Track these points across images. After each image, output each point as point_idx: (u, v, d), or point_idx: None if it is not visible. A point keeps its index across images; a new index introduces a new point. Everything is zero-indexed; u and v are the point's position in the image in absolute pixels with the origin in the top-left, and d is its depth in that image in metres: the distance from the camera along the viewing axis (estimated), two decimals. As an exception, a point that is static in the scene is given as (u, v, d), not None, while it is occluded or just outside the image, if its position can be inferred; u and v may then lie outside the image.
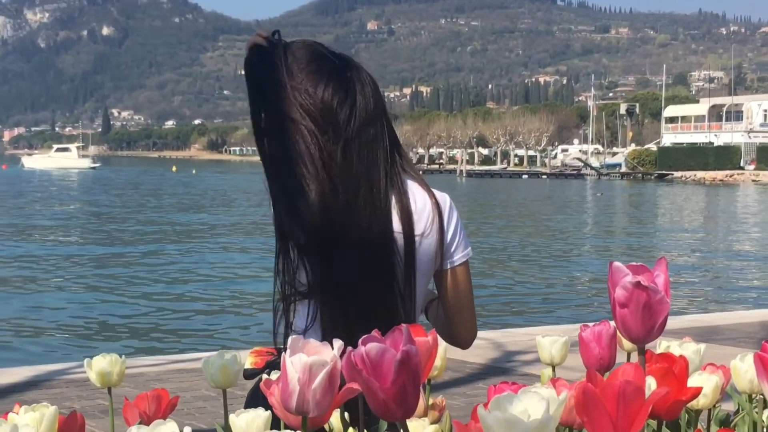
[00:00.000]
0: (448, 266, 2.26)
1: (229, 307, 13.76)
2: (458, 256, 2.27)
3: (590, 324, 1.78)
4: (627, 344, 2.10)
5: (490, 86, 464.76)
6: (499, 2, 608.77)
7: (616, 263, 1.28)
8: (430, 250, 2.23)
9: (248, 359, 2.26)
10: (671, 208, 45.89)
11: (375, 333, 1.28)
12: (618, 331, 1.34)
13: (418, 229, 2.21)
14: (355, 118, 2.16)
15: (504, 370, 6.04)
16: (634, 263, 1.26)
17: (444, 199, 2.28)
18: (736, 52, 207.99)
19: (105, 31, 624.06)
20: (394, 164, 2.23)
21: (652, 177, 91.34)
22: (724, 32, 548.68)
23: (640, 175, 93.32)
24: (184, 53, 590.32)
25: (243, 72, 2.23)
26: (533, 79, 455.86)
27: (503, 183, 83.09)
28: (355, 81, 2.22)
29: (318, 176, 2.11)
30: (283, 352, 1.26)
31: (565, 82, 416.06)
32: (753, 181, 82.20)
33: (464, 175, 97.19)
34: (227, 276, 17.81)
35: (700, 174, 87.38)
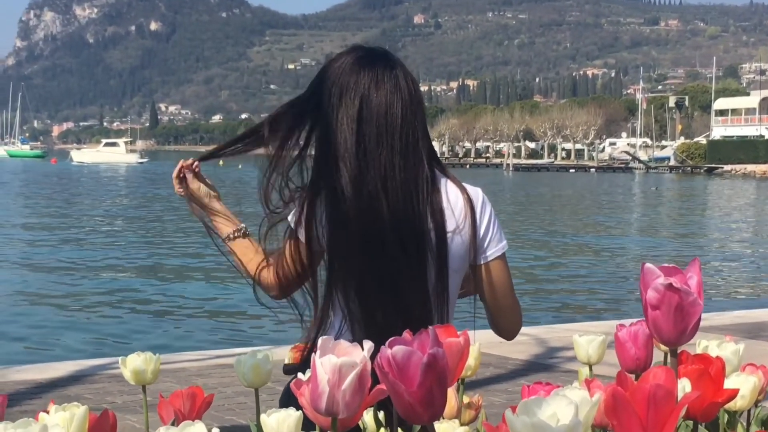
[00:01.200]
0: (482, 261, 2.25)
1: (275, 305, 13.76)
2: (492, 251, 2.25)
3: (626, 323, 1.74)
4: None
5: (537, 79, 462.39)
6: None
7: (648, 265, 1.26)
8: (464, 247, 2.22)
9: (288, 354, 2.31)
10: (722, 203, 45.36)
11: (406, 334, 1.28)
12: (652, 333, 1.34)
13: (450, 225, 2.19)
14: (396, 117, 2.21)
15: (546, 366, 5.98)
16: (666, 264, 1.23)
17: (476, 193, 2.26)
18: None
19: (153, 26, 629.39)
20: (430, 162, 2.23)
21: (702, 171, 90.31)
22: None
23: (689, 168, 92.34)
24: (231, 48, 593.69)
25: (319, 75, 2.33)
26: (581, 72, 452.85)
27: (550, 177, 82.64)
28: (398, 80, 2.30)
29: (363, 177, 2.15)
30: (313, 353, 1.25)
31: (613, 75, 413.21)
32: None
33: (511, 168, 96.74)
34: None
35: (750, 167, 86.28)
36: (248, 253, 2.41)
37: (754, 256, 22.04)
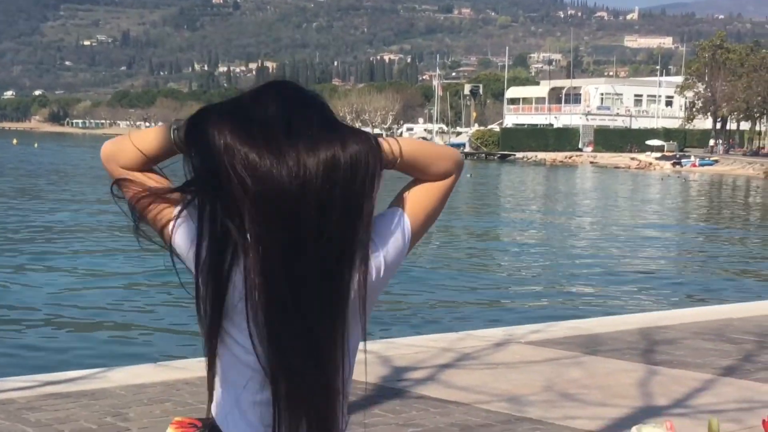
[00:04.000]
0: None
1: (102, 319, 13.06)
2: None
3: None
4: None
5: (335, 63, 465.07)
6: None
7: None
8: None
9: (168, 431, 1.97)
10: (522, 188, 46.79)
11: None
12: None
13: None
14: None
15: (397, 392, 5.88)
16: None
17: None
18: (573, 36, 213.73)
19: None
20: None
21: (495, 157, 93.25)
22: (562, 15, 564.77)
23: (483, 155, 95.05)
24: (23, 22, 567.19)
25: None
26: (378, 57, 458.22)
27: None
28: None
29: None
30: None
31: (409, 60, 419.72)
32: (591, 162, 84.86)
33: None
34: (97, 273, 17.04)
35: (541, 155, 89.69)
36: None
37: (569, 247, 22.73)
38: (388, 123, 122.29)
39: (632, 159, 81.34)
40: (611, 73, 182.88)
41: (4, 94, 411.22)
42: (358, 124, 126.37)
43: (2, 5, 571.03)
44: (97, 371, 6.45)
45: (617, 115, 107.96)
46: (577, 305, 14.09)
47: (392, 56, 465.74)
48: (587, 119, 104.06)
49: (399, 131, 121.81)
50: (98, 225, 24.54)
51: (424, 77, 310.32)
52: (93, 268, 17.26)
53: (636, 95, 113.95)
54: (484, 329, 8.66)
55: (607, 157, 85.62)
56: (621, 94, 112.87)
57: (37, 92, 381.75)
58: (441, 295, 14.65)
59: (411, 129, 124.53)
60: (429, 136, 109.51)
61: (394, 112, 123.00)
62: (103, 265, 17.64)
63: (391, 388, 5.92)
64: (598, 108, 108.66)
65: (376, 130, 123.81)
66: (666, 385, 6.19)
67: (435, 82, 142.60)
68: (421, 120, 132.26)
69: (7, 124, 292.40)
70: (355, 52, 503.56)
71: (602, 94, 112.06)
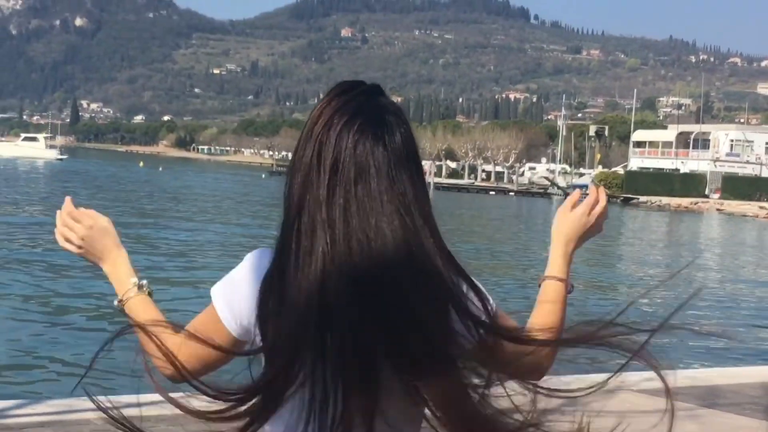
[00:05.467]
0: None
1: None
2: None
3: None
4: None
5: (460, 100, 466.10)
6: (473, 17, 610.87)
7: None
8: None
9: None
10: (641, 236, 45.71)
11: None
12: None
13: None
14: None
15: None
16: None
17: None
18: (704, 81, 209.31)
19: (78, 21, 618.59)
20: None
21: (618, 200, 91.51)
22: (693, 60, 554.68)
23: (606, 198, 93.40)
24: (156, 49, 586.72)
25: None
26: (504, 96, 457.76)
27: (470, 198, 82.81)
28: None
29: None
30: None
31: (535, 100, 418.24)
32: (717, 210, 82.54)
33: (431, 187, 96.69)
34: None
35: (665, 200, 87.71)
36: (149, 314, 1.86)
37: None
38: (510, 161, 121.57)
39: (761, 208, 78.82)
40: (742, 120, 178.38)
41: (135, 118, 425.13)
42: (479, 161, 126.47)
43: (137, 32, 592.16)
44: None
45: (747, 162, 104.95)
46: (695, 357, 13.45)
47: (518, 95, 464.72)
48: (715, 165, 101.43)
49: (521, 170, 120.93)
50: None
51: (549, 117, 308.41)
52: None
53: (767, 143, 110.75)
54: (591, 374, 8.22)
55: (734, 205, 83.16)
56: (752, 142, 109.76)
57: (166, 118, 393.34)
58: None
59: (533, 168, 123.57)
60: (551, 176, 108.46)
61: (517, 150, 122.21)
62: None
63: None
64: (728, 154, 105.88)
65: (498, 168, 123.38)
66: (790, 445, 5.71)
67: (560, 122, 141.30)
68: (544, 159, 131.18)
69: (135, 148, 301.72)
70: (481, 89, 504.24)
71: (732, 141, 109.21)
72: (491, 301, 1.74)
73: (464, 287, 1.70)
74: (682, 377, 7.75)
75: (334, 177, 1.63)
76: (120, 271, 1.89)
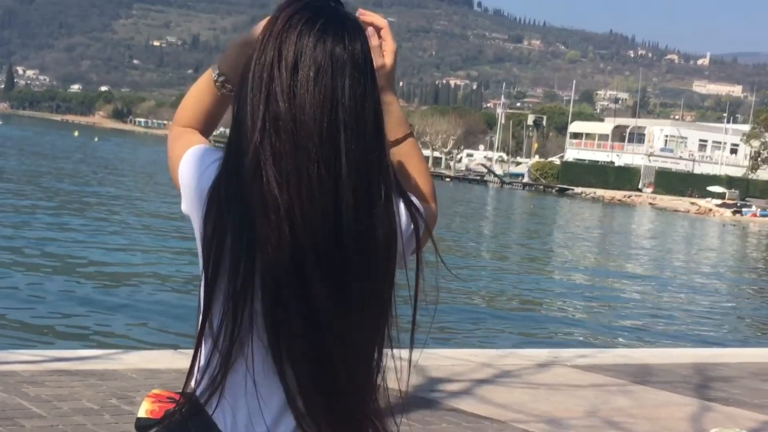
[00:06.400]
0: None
1: (125, 298, 12.75)
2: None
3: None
4: None
5: (401, 83, 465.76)
6: (416, 1, 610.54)
7: None
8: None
9: (143, 405, 1.73)
10: (578, 224, 46.13)
11: None
12: None
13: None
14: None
15: (428, 402, 5.42)
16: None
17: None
18: (642, 76, 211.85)
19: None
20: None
21: (553, 190, 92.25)
22: (632, 55, 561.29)
23: (542, 186, 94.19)
24: (96, 17, 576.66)
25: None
26: (444, 81, 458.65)
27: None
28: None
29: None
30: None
31: (475, 87, 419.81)
32: (650, 204, 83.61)
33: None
34: (123, 259, 16.80)
35: (600, 191, 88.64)
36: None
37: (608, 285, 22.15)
38: (449, 147, 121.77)
39: (692, 204, 80.00)
40: (677, 117, 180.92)
41: (71, 87, 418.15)
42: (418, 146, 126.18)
43: (77, 0, 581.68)
44: (110, 352, 6.10)
45: (680, 158, 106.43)
46: (628, 337, 13.52)
47: (458, 81, 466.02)
48: (649, 160, 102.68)
49: (459, 156, 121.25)
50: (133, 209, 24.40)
51: (488, 105, 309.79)
52: (123, 247, 17.09)
53: (701, 140, 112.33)
54: (527, 348, 8.18)
55: (666, 200, 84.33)
56: (686, 138, 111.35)
57: (104, 88, 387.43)
58: (483, 315, 14.19)
59: (471, 155, 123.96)
60: (489, 163, 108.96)
61: (456, 136, 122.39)
62: (134, 245, 17.49)
63: (422, 398, 5.48)
64: (662, 150, 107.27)
65: (436, 153, 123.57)
66: (720, 422, 5.68)
67: (499, 110, 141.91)
68: (482, 147, 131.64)
69: (71, 117, 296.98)
70: (422, 74, 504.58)
71: (666, 136, 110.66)
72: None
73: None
74: (615, 355, 7.73)
75: (295, 75, 1.57)
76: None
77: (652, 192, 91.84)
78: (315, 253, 1.53)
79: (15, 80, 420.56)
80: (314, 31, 1.59)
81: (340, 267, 1.55)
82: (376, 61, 1.74)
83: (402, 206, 1.68)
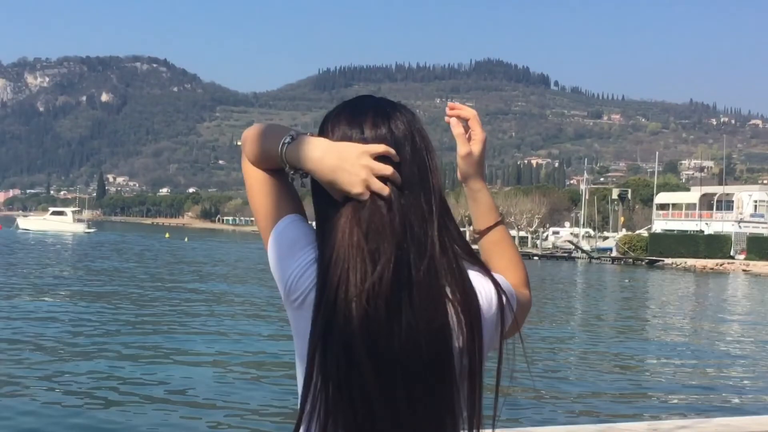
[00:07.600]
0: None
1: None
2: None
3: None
4: None
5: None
6: (494, 84, 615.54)
7: None
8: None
9: None
10: (672, 294, 46.07)
11: None
12: None
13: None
14: None
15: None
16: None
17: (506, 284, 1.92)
18: (726, 143, 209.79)
19: (104, 97, 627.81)
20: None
21: (643, 262, 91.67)
22: (714, 123, 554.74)
23: (630, 260, 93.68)
24: (181, 122, 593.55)
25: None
26: (525, 161, 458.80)
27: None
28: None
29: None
30: None
31: (557, 165, 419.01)
32: (743, 270, 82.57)
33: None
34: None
35: (690, 261, 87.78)
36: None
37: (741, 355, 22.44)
38: (534, 226, 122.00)
39: (787, 267, 78.83)
40: (766, 181, 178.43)
41: (160, 191, 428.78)
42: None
43: (161, 106, 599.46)
44: None
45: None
46: (728, 403, 13.78)
47: (540, 160, 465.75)
48: (740, 226, 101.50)
49: (545, 234, 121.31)
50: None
51: (571, 181, 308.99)
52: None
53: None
54: (626, 422, 8.24)
55: (760, 266, 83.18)
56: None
57: (191, 190, 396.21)
58: (580, 387, 14.73)
59: (557, 232, 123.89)
60: (575, 240, 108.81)
61: (540, 215, 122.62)
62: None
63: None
64: (752, 215, 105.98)
65: (522, 233, 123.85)
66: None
67: (583, 186, 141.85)
68: (567, 224, 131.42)
69: (161, 220, 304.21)
70: (503, 155, 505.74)
71: (756, 201, 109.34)
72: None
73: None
74: (715, 424, 7.91)
75: None
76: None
77: (745, 258, 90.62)
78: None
79: (106, 188, 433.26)
80: (358, 120, 1.86)
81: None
82: (462, 149, 1.91)
83: (493, 293, 1.78)
